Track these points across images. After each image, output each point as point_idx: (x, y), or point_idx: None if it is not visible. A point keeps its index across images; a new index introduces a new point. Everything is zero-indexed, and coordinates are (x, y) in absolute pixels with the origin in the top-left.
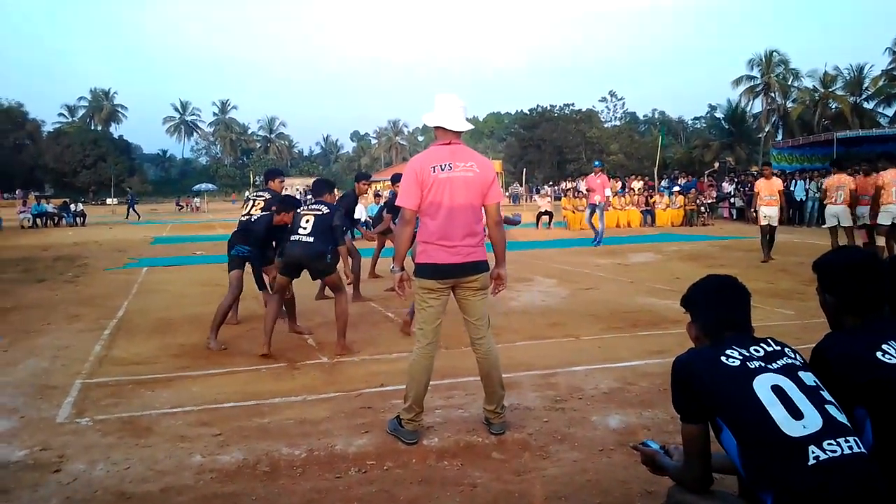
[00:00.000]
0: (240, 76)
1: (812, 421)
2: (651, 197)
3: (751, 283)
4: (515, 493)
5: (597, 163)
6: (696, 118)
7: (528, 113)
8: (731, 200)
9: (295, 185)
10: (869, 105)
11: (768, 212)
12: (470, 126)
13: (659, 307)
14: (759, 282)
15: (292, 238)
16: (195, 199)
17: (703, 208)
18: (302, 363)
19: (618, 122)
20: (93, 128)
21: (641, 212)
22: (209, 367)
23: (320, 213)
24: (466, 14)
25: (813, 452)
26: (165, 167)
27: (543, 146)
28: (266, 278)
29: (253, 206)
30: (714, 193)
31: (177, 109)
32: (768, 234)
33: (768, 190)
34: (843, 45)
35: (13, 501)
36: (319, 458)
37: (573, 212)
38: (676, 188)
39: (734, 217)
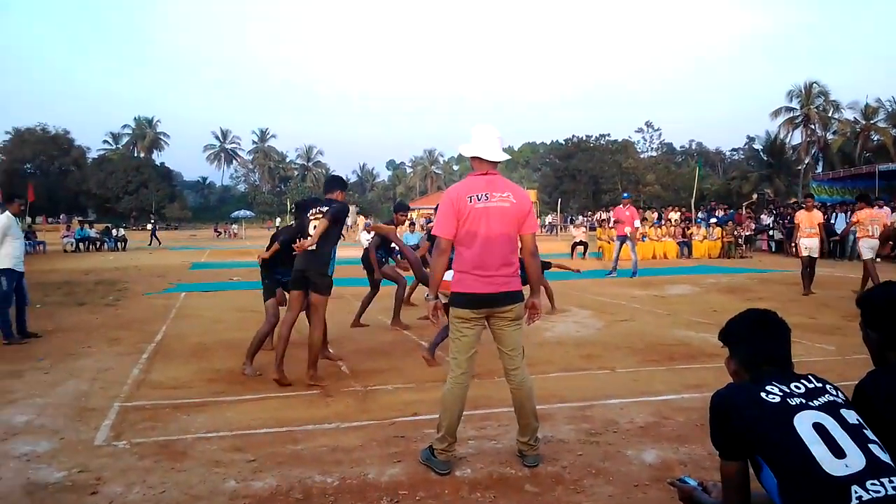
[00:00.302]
0: (279, 105)
1: (855, 460)
2: (688, 228)
3: (791, 317)
4: None
5: (625, 195)
6: (734, 149)
7: (564, 143)
8: (770, 233)
9: None
10: None
11: (809, 243)
12: (506, 157)
13: (696, 340)
14: (799, 316)
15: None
16: (233, 225)
17: (740, 240)
18: (335, 390)
19: (654, 153)
20: (136, 155)
21: (678, 243)
22: (244, 393)
23: (321, 216)
24: (502, 46)
25: (856, 493)
26: (205, 194)
27: (579, 176)
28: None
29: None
30: (752, 225)
31: (217, 137)
32: (808, 266)
33: (809, 222)
34: (886, 78)
35: None
36: (352, 486)
37: (608, 242)
38: (714, 220)
39: (773, 249)
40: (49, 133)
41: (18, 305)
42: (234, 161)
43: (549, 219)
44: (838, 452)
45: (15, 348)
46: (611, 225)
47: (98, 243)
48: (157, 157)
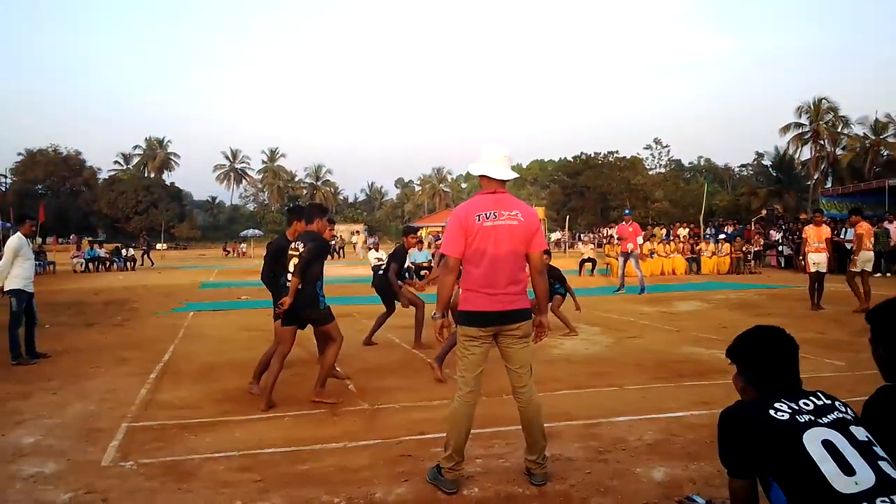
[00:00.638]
0: (289, 124)
1: (864, 477)
2: (697, 244)
3: (800, 332)
4: None
5: (627, 211)
6: (742, 165)
7: (572, 160)
8: (780, 248)
9: (339, 231)
10: None
11: (817, 259)
12: (514, 175)
13: (705, 357)
14: (809, 332)
15: (286, 284)
16: (241, 244)
17: (749, 256)
18: (342, 409)
19: (662, 170)
20: (146, 175)
21: (687, 259)
22: (251, 413)
23: (299, 253)
24: (511, 64)
25: None
26: (214, 213)
27: (587, 193)
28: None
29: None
30: (762, 241)
31: (227, 157)
32: (817, 281)
33: (817, 237)
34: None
35: None
36: None
37: (616, 259)
38: (722, 236)
39: (782, 265)
40: (61, 154)
41: (28, 326)
42: (243, 180)
43: (554, 235)
44: (848, 470)
45: (24, 369)
46: (616, 241)
47: (108, 263)
48: (168, 177)
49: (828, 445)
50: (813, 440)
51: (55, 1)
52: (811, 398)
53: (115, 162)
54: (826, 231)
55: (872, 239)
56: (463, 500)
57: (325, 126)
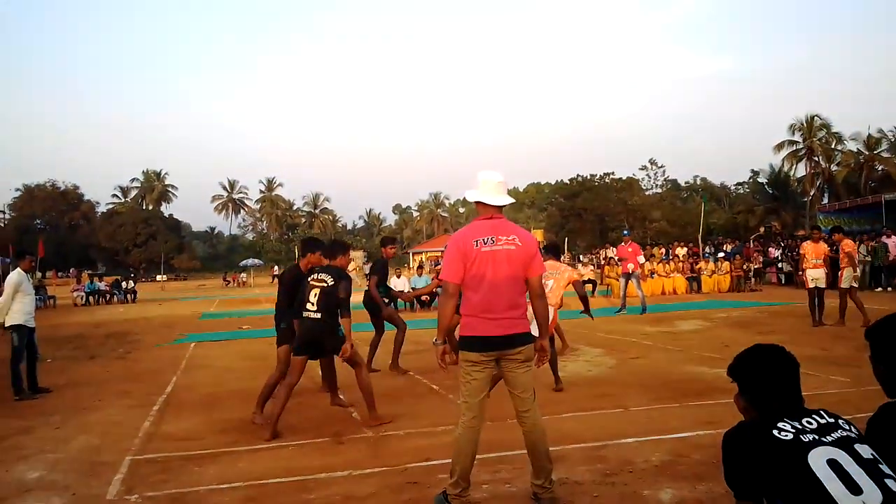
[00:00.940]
0: (286, 154)
1: (871, 496)
2: (696, 263)
3: (803, 349)
4: None
5: (625, 232)
6: (738, 183)
7: (569, 182)
8: (779, 265)
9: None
10: None
11: (815, 274)
12: (510, 200)
13: (709, 376)
14: (812, 348)
15: (303, 314)
16: (241, 274)
17: (750, 274)
18: (347, 437)
19: (659, 190)
20: (144, 207)
21: (687, 278)
22: (255, 442)
23: (326, 285)
24: (505, 89)
25: None
26: (213, 243)
27: (584, 215)
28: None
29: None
30: (761, 258)
31: (225, 188)
32: (817, 297)
33: (815, 253)
34: (886, 109)
35: None
36: None
37: (616, 280)
38: (721, 254)
39: (782, 282)
40: (58, 188)
41: (29, 361)
42: (241, 210)
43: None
44: (854, 489)
45: (26, 404)
46: (616, 262)
47: (108, 296)
48: (166, 209)
49: (833, 465)
50: (818, 460)
51: (48, 34)
52: (814, 416)
53: (113, 195)
54: (824, 247)
55: (856, 257)
56: None
57: (323, 154)
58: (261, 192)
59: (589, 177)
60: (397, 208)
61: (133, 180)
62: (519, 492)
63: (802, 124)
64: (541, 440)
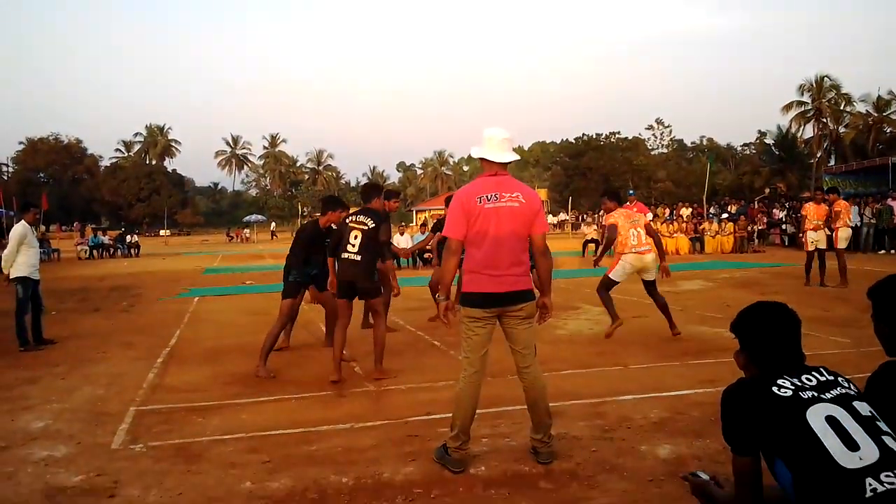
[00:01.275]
0: (289, 109)
1: (868, 452)
2: (700, 224)
3: (805, 310)
4: None
5: (631, 192)
6: (745, 144)
7: (574, 141)
8: (783, 227)
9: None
10: None
11: (816, 236)
12: (515, 157)
13: (709, 335)
14: (813, 309)
15: (343, 256)
16: (245, 230)
17: (753, 235)
18: (349, 391)
19: (665, 150)
20: (148, 162)
21: (690, 239)
22: (258, 395)
23: (367, 227)
24: (512, 45)
25: (870, 485)
26: (217, 199)
27: (589, 174)
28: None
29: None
30: (765, 220)
31: (228, 143)
32: (818, 258)
33: (817, 214)
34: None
35: None
36: (367, 485)
37: None
38: (726, 215)
39: (786, 244)
40: (62, 142)
41: (34, 313)
42: (245, 166)
43: (555, 217)
44: (852, 445)
45: (31, 355)
46: None
47: (112, 250)
48: (169, 164)
49: (831, 421)
50: (816, 416)
51: None
52: (814, 374)
53: (117, 149)
54: (825, 209)
55: (850, 216)
56: (470, 479)
57: (326, 110)
58: (264, 147)
59: (594, 136)
60: (401, 166)
61: (136, 135)
62: (518, 446)
63: (812, 85)
64: (541, 396)
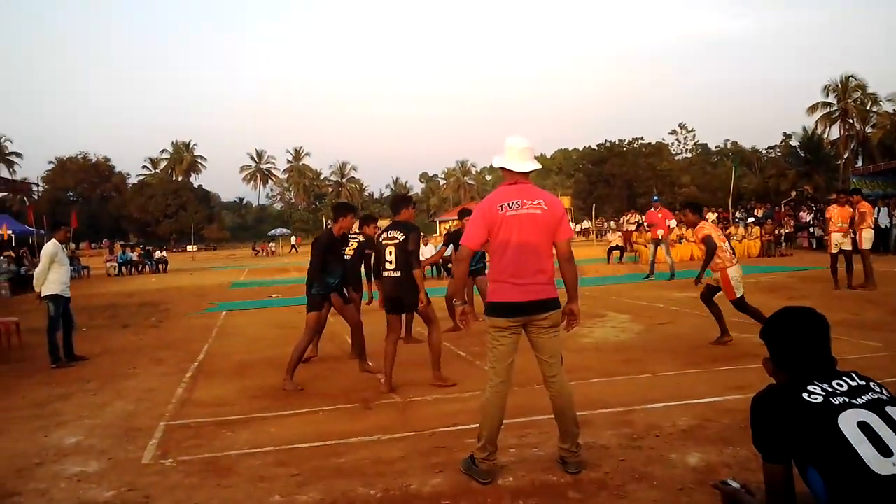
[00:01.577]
0: (312, 123)
1: None
2: (726, 228)
3: (834, 314)
4: None
5: (655, 198)
6: (770, 147)
7: (596, 148)
8: (811, 230)
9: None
10: None
11: (839, 239)
12: (536, 166)
13: (738, 341)
14: (843, 312)
15: (384, 274)
16: (270, 243)
17: (781, 238)
18: (376, 403)
19: (689, 154)
20: (174, 178)
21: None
22: (286, 409)
23: (398, 241)
24: (532, 52)
25: None
26: (242, 214)
27: (612, 181)
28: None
29: (347, 247)
30: (792, 223)
31: (253, 158)
32: (846, 261)
33: (841, 217)
34: None
35: None
36: (395, 497)
37: (644, 246)
38: (752, 219)
39: (814, 247)
40: (90, 161)
41: (65, 330)
42: (269, 180)
43: (579, 225)
44: (885, 451)
45: (63, 371)
46: (646, 228)
47: (140, 266)
48: (195, 180)
49: (864, 427)
50: (848, 422)
51: (80, 6)
52: (845, 379)
53: (143, 167)
54: (850, 211)
55: (873, 218)
56: (498, 489)
57: (349, 123)
58: (288, 161)
59: (617, 142)
60: (424, 176)
61: (162, 151)
62: (546, 456)
63: (837, 85)
64: (568, 405)
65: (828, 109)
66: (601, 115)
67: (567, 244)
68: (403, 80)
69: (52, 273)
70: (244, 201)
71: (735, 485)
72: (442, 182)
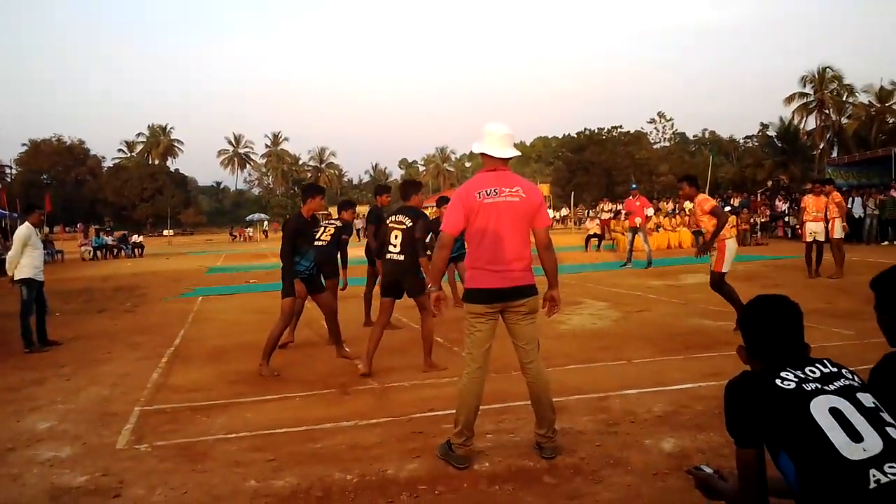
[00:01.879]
0: (291, 108)
1: (872, 443)
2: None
3: (808, 302)
4: None
5: (633, 186)
6: (747, 137)
7: (576, 136)
8: (786, 219)
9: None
10: None
11: (814, 228)
12: (515, 153)
13: (712, 329)
14: (817, 301)
15: (386, 257)
16: (248, 228)
17: (756, 227)
18: (353, 388)
19: (667, 143)
20: (150, 162)
21: (693, 232)
22: (263, 394)
23: (405, 226)
24: (513, 41)
25: (874, 476)
26: (219, 198)
27: (591, 169)
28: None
29: (324, 232)
30: (768, 212)
31: (230, 142)
32: (816, 250)
33: (816, 206)
34: None
35: None
36: (371, 482)
37: (622, 234)
38: (728, 208)
39: (789, 236)
40: (65, 143)
41: (39, 314)
42: (247, 165)
43: (558, 213)
44: (855, 436)
45: (36, 356)
46: (624, 216)
47: (115, 251)
48: (172, 164)
49: (835, 413)
50: (820, 408)
51: None
52: (817, 366)
53: (119, 150)
54: (824, 200)
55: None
56: (474, 474)
57: (328, 108)
58: (266, 146)
59: (596, 130)
60: (403, 163)
61: (139, 135)
62: (522, 441)
63: (814, 76)
64: (544, 391)
65: (805, 100)
66: (580, 104)
67: (545, 232)
68: (381, 66)
69: (24, 257)
70: (221, 186)
71: (708, 470)
72: (421, 168)
